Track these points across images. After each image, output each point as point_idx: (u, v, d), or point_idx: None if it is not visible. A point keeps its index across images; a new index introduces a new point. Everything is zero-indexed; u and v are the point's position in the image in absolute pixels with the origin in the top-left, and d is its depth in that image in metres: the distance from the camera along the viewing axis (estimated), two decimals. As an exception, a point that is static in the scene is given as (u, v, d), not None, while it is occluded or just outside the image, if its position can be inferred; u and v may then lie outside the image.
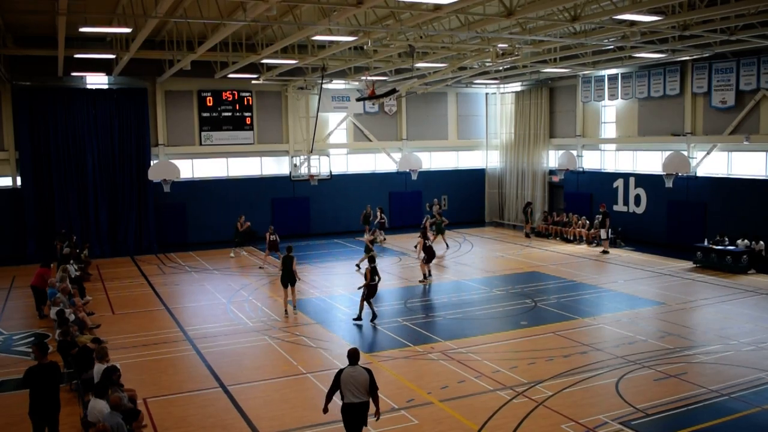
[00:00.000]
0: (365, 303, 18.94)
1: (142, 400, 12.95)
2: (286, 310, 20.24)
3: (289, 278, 20.04)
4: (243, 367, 15.67)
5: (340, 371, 10.39)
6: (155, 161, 31.62)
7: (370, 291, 18.86)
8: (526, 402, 13.12)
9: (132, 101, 31.33)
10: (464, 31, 19.79)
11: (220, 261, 28.85)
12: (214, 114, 33.30)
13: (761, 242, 25.47)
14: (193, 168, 33.26)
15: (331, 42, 22.87)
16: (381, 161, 37.66)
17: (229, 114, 33.60)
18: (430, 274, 24.46)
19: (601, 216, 29.85)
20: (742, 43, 23.17)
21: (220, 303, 21.71)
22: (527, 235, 34.47)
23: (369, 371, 10.39)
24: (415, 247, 26.64)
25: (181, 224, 32.79)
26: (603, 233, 29.59)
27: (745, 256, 24.88)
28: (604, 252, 29.29)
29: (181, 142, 32.84)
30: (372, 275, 18.94)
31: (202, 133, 33.15)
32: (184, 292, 23.51)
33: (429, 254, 24.39)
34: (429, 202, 35.79)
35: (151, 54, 25.84)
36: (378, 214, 33.02)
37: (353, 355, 10.46)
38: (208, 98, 33.02)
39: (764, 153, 26.78)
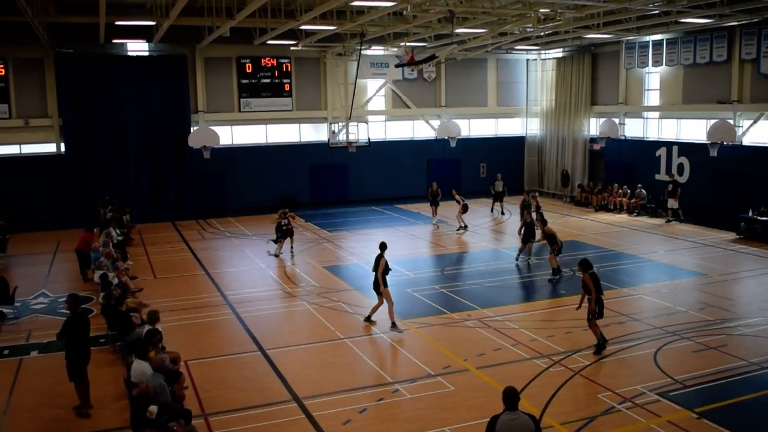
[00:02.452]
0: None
1: (183, 362, 13.21)
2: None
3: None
4: (281, 331, 15.90)
5: (495, 419, 7.63)
6: (195, 128, 31.88)
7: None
8: (562, 371, 13.10)
9: (172, 68, 31.51)
10: (505, -4, 19.44)
11: (258, 227, 29.11)
12: (253, 81, 33.38)
13: (808, 213, 24.86)
14: (232, 135, 33.47)
15: (370, 7, 22.65)
16: (419, 128, 37.45)
17: (268, 81, 33.64)
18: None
19: (672, 185, 29.16)
20: (793, 8, 22.42)
21: (259, 268, 21.97)
22: (572, 200, 35.07)
23: (534, 419, 7.74)
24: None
25: (221, 190, 33.13)
26: (672, 202, 28.97)
27: (790, 228, 24.33)
28: (669, 221, 28.86)
29: (220, 108, 33.04)
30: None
31: (241, 100, 33.29)
32: (224, 258, 23.83)
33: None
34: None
35: (191, 21, 25.89)
36: (456, 197, 27.70)
37: (511, 397, 7.70)
38: (247, 65, 33.08)
39: (814, 121, 26.03)
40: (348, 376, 13.03)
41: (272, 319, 16.76)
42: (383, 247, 16.08)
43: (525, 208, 24.09)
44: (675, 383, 12.42)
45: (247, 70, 33.16)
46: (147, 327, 12.48)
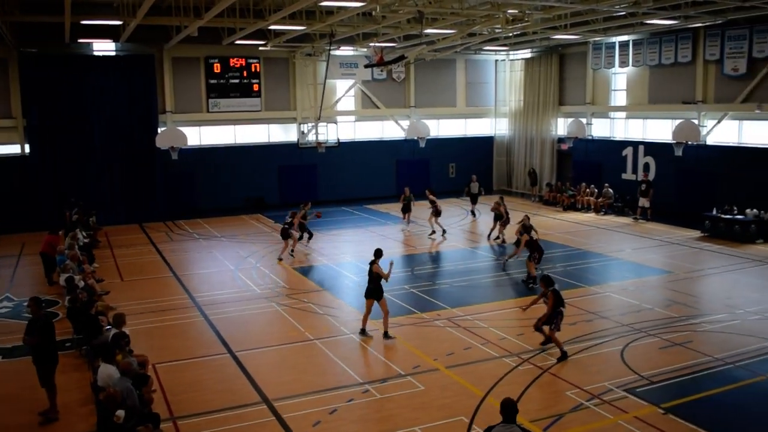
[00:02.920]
0: None
1: (151, 365, 13.08)
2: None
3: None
4: (251, 333, 15.81)
5: (489, 430, 7.63)
6: (163, 128, 31.58)
7: None
8: (531, 369, 13.21)
9: (139, 68, 31.15)
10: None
11: (228, 228, 28.94)
12: (222, 81, 33.15)
13: (770, 211, 25.34)
14: (200, 135, 33.20)
15: (340, 8, 22.62)
16: (389, 129, 37.49)
17: (237, 81, 33.44)
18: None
19: (645, 185, 29.43)
20: (755, 10, 22.77)
21: (228, 270, 21.83)
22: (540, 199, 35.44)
23: None
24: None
25: (189, 191, 32.85)
26: (644, 201, 29.26)
27: (753, 226, 24.78)
28: (636, 219, 29.31)
29: (188, 109, 32.75)
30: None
31: (210, 100, 33.04)
32: (193, 259, 23.65)
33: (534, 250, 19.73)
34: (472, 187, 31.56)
35: (158, 20, 25.60)
36: (430, 197, 26.91)
37: (508, 409, 7.66)
38: (215, 65, 32.84)
39: (776, 121, 26.54)
40: (318, 377, 13.00)
41: (242, 321, 16.66)
42: (377, 254, 15.38)
43: (526, 230, 20.22)
44: (642, 379, 12.59)
45: (216, 71, 32.90)
46: (113, 330, 12.34)
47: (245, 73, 33.50)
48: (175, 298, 18.76)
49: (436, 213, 26.76)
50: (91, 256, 21.54)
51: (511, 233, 23.25)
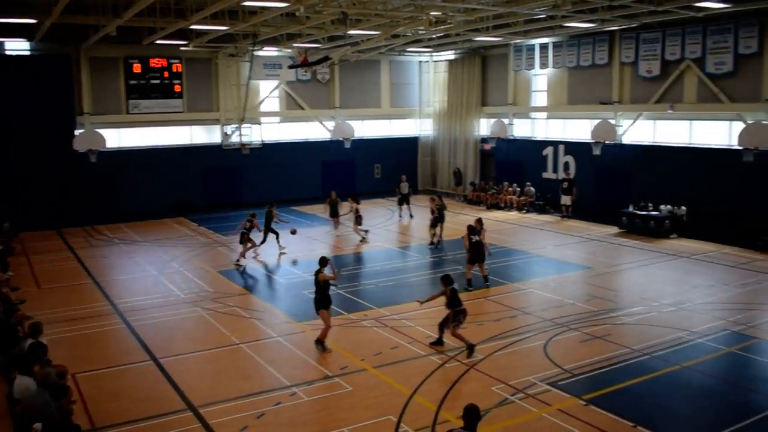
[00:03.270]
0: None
1: (71, 375, 12.67)
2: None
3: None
4: (175, 339, 15.51)
5: None
6: (80, 131, 30.62)
7: None
8: (457, 366, 13.39)
9: (54, 68, 30.03)
10: (396, -1, 19.70)
11: (150, 232, 28.30)
12: (142, 82, 32.34)
13: (683, 207, 26.36)
14: (120, 138, 32.34)
15: (263, 8, 22.41)
16: (313, 130, 37.34)
17: (158, 82, 32.70)
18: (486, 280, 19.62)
19: (567, 183, 30.14)
20: (667, 14, 23.67)
21: (151, 275, 21.35)
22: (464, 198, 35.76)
23: None
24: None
25: (110, 195, 31.82)
26: (566, 199, 29.91)
27: (667, 221, 25.77)
28: (564, 216, 29.87)
29: (107, 110, 31.81)
30: None
31: (130, 102, 32.19)
32: (113, 265, 23.02)
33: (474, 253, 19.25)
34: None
35: (75, 19, 24.77)
36: (352, 206, 26.22)
37: (469, 415, 7.72)
38: (135, 65, 32.02)
39: (687, 121, 27.61)
40: (244, 382, 12.86)
41: (165, 327, 16.32)
42: (322, 262, 14.63)
43: (471, 231, 19.33)
44: (564, 372, 12.93)
45: (136, 71, 32.07)
46: (30, 340, 11.91)
47: (166, 74, 32.79)
48: (95, 305, 18.22)
49: (358, 221, 26.11)
50: (5, 264, 20.75)
51: (447, 233, 23.61)
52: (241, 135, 33.52)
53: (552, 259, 22.72)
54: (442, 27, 24.11)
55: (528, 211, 31.81)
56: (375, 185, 37.72)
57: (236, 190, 34.83)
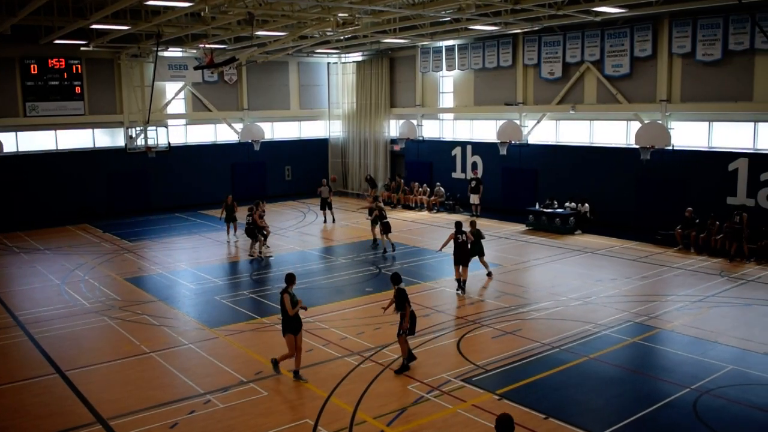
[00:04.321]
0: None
1: (-32, 392, 12.07)
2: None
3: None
4: (81, 350, 14.94)
5: None
6: (-27, 135, 29.16)
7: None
8: (373, 366, 13.44)
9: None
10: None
11: (52, 240, 27.17)
12: (40, 83, 31.03)
13: (586, 205, 27.36)
14: (17, 141, 30.93)
15: (166, 8, 21.93)
16: (222, 132, 36.79)
17: (57, 83, 31.44)
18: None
19: (475, 182, 30.54)
20: (567, 18, 24.51)
21: (54, 284, 20.50)
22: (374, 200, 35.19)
23: None
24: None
25: (7, 202, 30.41)
26: (475, 198, 30.28)
27: (572, 218, 26.66)
28: (474, 215, 29.88)
29: (3, 113, 30.34)
30: None
31: (27, 104, 30.82)
32: (13, 275, 21.98)
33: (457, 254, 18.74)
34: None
35: (-37, 17, 23.70)
36: (258, 207, 23.97)
37: (503, 425, 7.15)
38: (32, 66, 30.68)
39: (588, 121, 28.65)
40: (156, 391, 12.52)
41: (71, 338, 15.70)
42: (288, 280, 12.91)
43: (457, 230, 18.75)
44: (477, 368, 13.17)
45: (33, 72, 30.75)
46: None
47: (66, 75, 31.58)
48: (-7, 317, 17.38)
49: (263, 234, 23.73)
50: None
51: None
52: (146, 138, 32.63)
53: (462, 257, 23.06)
54: (349, 28, 24.18)
55: (438, 211, 32.29)
56: (286, 187, 37.50)
57: (143, 195, 33.91)
